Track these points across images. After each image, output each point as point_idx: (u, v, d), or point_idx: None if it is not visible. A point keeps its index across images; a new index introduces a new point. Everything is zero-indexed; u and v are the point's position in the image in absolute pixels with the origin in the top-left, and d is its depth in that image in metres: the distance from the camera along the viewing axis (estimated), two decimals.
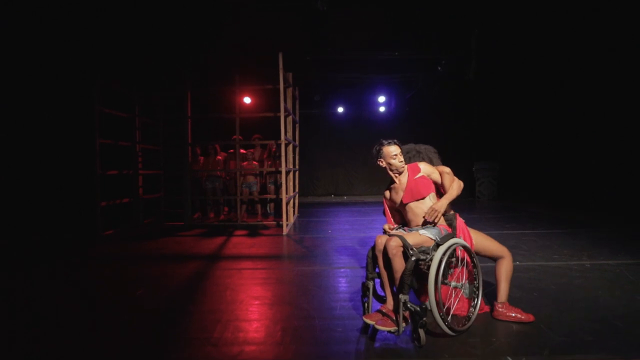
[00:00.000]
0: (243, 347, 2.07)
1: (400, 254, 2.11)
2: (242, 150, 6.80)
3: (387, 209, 2.54)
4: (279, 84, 5.46)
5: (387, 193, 2.50)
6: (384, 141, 2.41)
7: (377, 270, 2.28)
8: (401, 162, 2.37)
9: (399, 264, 2.10)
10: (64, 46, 6.08)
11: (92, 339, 2.24)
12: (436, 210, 2.27)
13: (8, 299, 2.95)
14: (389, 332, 2.06)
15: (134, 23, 6.12)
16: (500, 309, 2.33)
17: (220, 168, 6.82)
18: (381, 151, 2.39)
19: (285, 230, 5.51)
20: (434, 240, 2.20)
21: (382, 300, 2.31)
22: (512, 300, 2.43)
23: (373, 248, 2.28)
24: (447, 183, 2.38)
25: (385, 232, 2.36)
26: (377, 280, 2.32)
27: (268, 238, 5.20)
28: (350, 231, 5.61)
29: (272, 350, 2.04)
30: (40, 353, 2.07)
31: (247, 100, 8.52)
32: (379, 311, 2.19)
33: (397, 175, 2.41)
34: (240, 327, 2.33)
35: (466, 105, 10.56)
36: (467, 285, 2.25)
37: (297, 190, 7.35)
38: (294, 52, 6.43)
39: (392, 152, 2.36)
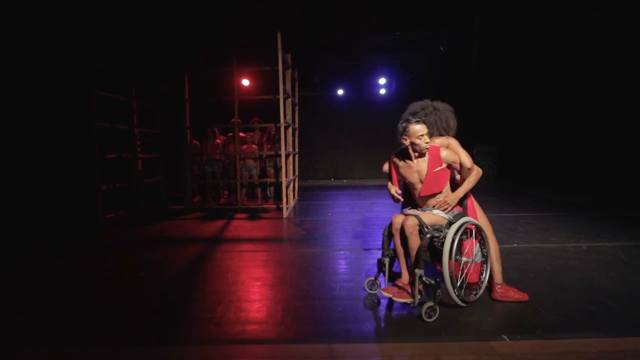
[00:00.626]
0: (245, 327, 2.12)
1: (416, 232, 2.20)
2: (241, 134, 6.75)
3: (394, 173, 2.46)
4: (277, 65, 5.36)
5: (398, 161, 2.39)
6: (411, 118, 2.28)
7: (391, 247, 2.37)
8: (427, 142, 2.24)
9: (415, 242, 2.19)
10: (58, 27, 5.93)
11: (95, 318, 2.29)
12: (448, 204, 2.31)
13: (7, 289, 3.00)
14: (406, 303, 2.20)
15: (129, 2, 5.94)
16: (498, 290, 2.38)
17: (219, 152, 6.79)
18: (407, 129, 2.24)
19: (285, 214, 5.54)
20: (447, 219, 2.31)
21: (395, 276, 2.40)
22: (509, 281, 2.48)
23: (389, 227, 2.35)
24: (464, 175, 2.35)
25: (390, 192, 2.44)
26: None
27: (268, 221, 5.24)
28: (350, 214, 5.64)
29: (273, 329, 2.09)
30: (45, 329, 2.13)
31: (245, 82, 8.39)
32: (395, 285, 2.31)
33: (417, 156, 2.30)
34: (242, 308, 2.38)
35: (467, 88, 10.41)
36: (479, 249, 2.38)
37: (297, 173, 7.35)
38: (293, 32, 6.26)
39: (419, 131, 2.22)
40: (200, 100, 6.87)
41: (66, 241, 4.29)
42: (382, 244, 2.41)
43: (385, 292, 2.27)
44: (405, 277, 2.31)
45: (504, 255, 3.36)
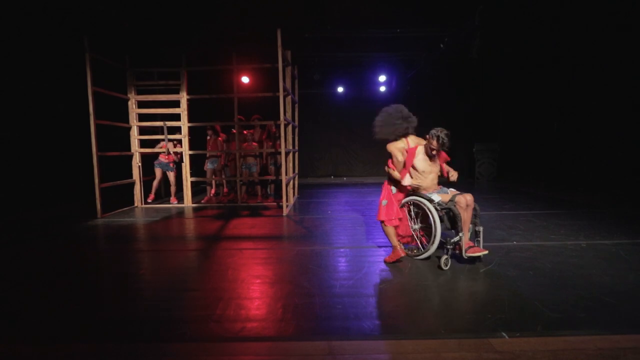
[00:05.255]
0: (245, 324, 2.12)
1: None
2: (244, 132, 6.76)
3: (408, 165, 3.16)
4: (277, 62, 5.34)
5: (423, 153, 3.12)
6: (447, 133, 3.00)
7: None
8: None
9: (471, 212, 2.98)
10: (57, 18, 5.93)
11: (95, 314, 2.30)
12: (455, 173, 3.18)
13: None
14: (484, 255, 2.95)
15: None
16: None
17: (221, 149, 6.78)
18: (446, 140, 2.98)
19: (285, 211, 5.54)
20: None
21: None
22: (508, 279, 2.49)
23: (453, 210, 2.93)
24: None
25: (406, 187, 3.19)
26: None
27: (268, 219, 5.24)
28: (349, 212, 5.65)
29: (273, 326, 2.10)
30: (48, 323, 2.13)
31: (245, 79, 8.38)
32: (472, 247, 2.95)
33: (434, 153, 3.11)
34: (242, 305, 2.38)
35: (467, 86, 10.40)
36: None
37: (296, 171, 7.35)
38: (293, 28, 6.24)
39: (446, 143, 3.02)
40: (199, 97, 6.83)
41: (63, 238, 4.28)
42: (456, 224, 2.93)
43: (474, 251, 2.90)
44: (466, 238, 2.93)
45: (504, 252, 3.37)
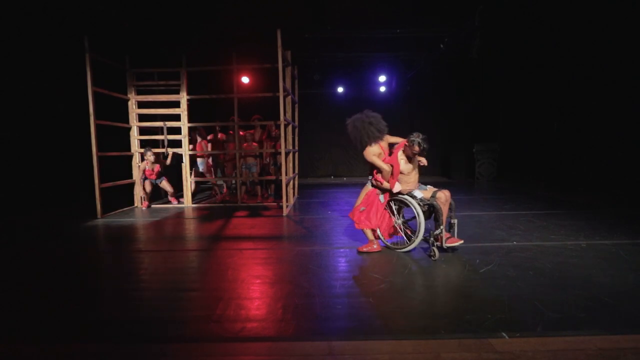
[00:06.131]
0: (245, 324, 2.12)
1: None
2: (241, 132, 6.76)
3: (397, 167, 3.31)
4: (277, 62, 5.34)
5: (402, 156, 3.32)
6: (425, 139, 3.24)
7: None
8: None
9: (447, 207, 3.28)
10: (57, 18, 5.93)
11: (94, 315, 2.30)
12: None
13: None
14: (459, 244, 3.26)
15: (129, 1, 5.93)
16: None
17: (222, 150, 6.79)
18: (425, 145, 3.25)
19: (285, 211, 5.54)
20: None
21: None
22: (508, 279, 2.49)
23: (433, 205, 3.22)
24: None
25: (397, 192, 3.35)
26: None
27: (268, 219, 5.24)
28: (350, 212, 5.63)
29: (273, 326, 2.10)
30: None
31: (245, 79, 8.38)
32: (450, 237, 3.25)
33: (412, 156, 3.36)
34: (242, 305, 2.38)
35: (467, 85, 10.40)
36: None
37: (296, 171, 7.35)
38: (293, 28, 6.24)
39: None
40: (199, 97, 6.85)
41: (63, 237, 4.29)
42: (438, 218, 3.20)
43: (452, 241, 3.21)
44: (444, 231, 3.23)
45: (503, 252, 3.37)
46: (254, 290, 2.65)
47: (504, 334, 1.94)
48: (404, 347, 1.86)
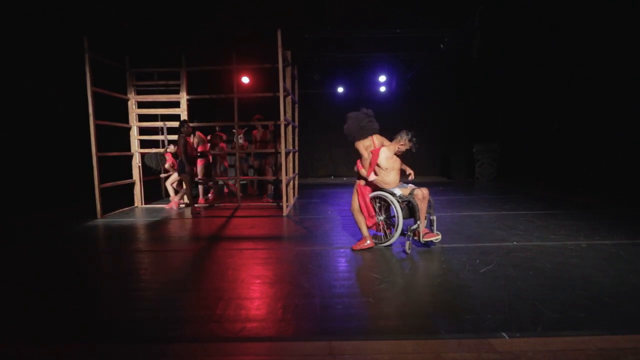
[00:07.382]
0: (245, 324, 2.12)
1: None
2: (254, 132, 6.78)
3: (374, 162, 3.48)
4: (277, 62, 5.34)
5: (387, 153, 3.50)
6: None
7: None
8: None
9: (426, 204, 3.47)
10: (57, 18, 5.93)
11: (94, 314, 2.29)
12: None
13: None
14: (437, 240, 3.46)
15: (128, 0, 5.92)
16: None
17: (223, 150, 6.79)
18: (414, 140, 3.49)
19: (285, 211, 5.54)
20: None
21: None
22: (508, 279, 2.49)
23: (412, 201, 3.38)
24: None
25: (369, 181, 3.49)
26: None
27: (268, 219, 5.24)
28: (349, 212, 5.63)
29: (273, 326, 2.10)
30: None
31: (245, 79, 8.38)
32: (428, 232, 3.46)
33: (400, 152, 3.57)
34: (242, 305, 2.38)
35: (467, 86, 10.40)
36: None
37: (296, 171, 7.34)
38: (293, 28, 6.24)
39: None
40: (199, 97, 6.86)
41: (62, 237, 4.28)
42: (416, 213, 3.36)
43: (429, 236, 3.40)
44: (422, 226, 3.41)
45: (503, 252, 3.37)
46: (254, 290, 2.65)
47: (504, 334, 1.94)
48: (404, 347, 1.86)
